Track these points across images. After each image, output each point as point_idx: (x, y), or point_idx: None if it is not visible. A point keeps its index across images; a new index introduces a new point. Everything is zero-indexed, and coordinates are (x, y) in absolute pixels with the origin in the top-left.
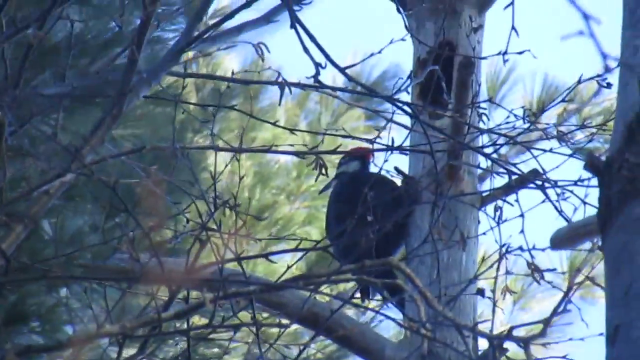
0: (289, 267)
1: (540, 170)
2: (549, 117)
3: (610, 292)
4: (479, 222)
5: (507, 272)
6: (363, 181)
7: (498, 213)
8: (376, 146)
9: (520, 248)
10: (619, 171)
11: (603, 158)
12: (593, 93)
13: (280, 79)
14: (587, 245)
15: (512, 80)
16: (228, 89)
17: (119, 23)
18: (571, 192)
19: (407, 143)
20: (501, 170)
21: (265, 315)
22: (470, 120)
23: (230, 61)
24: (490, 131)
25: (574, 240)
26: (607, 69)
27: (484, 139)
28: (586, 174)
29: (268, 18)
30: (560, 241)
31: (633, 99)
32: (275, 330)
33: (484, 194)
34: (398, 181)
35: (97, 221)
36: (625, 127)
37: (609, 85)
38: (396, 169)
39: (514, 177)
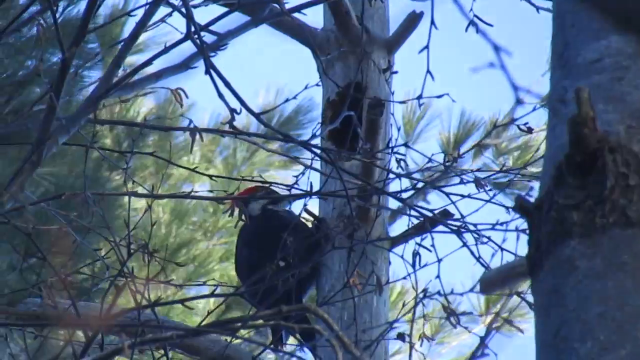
0: (209, 313)
1: (455, 213)
2: (466, 152)
3: (539, 335)
4: (389, 262)
5: (424, 317)
6: (274, 224)
7: (417, 258)
8: (294, 191)
9: (439, 293)
10: (548, 213)
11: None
12: (507, 130)
13: (191, 126)
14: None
15: (429, 117)
16: (141, 133)
17: (37, 71)
18: (489, 237)
19: (318, 186)
20: (413, 213)
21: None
22: (388, 164)
23: (144, 100)
24: (406, 176)
25: (503, 283)
26: (519, 102)
27: (401, 183)
28: (504, 219)
29: (186, 64)
30: (489, 284)
31: (562, 140)
32: None
33: (396, 236)
34: (307, 222)
35: (13, 261)
36: (554, 168)
37: (529, 130)
38: (307, 211)
39: (426, 218)
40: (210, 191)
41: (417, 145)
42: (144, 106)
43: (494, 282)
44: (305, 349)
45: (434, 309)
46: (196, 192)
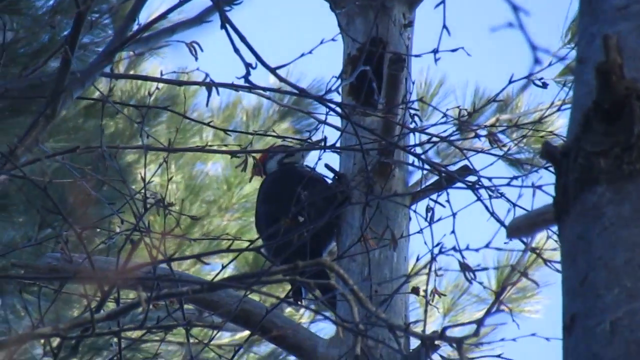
0: (223, 267)
1: (471, 168)
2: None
3: (566, 282)
4: (409, 219)
5: (439, 270)
6: (292, 178)
7: (430, 213)
8: (309, 145)
9: (454, 248)
10: (575, 160)
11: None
12: (522, 93)
13: (207, 80)
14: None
15: (443, 92)
16: (156, 92)
17: (52, 24)
18: (502, 194)
19: (338, 143)
20: (431, 169)
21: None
22: (403, 119)
23: (158, 71)
24: (420, 131)
25: (530, 229)
26: (537, 61)
27: (416, 139)
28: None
29: (201, 18)
30: (517, 229)
31: (589, 87)
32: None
33: (414, 192)
34: (328, 178)
35: (29, 232)
36: (581, 115)
37: (544, 85)
38: (327, 166)
39: (443, 174)
40: (223, 144)
41: (430, 120)
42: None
43: (520, 228)
44: (325, 305)
45: (450, 282)
46: (211, 148)
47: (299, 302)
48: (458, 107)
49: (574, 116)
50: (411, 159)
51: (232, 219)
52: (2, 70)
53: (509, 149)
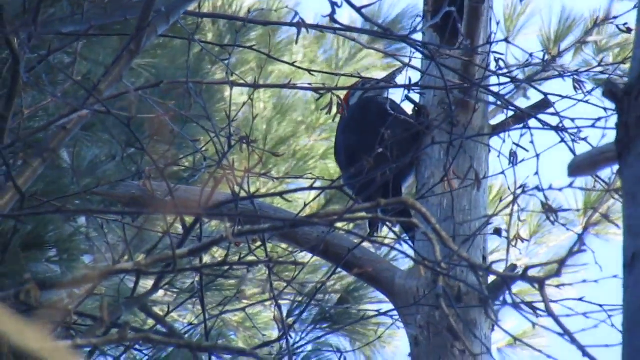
0: (305, 205)
1: (549, 102)
2: (566, 47)
3: (627, 220)
4: (489, 150)
5: (522, 210)
6: (372, 110)
7: (513, 158)
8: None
9: (537, 188)
10: (637, 98)
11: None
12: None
13: (297, 19)
14: (604, 177)
15: (529, 13)
16: (245, 25)
17: None
18: (583, 139)
19: (420, 82)
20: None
21: (282, 247)
22: (486, 59)
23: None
24: (504, 74)
25: (592, 167)
26: None
27: (498, 80)
28: (604, 114)
29: None
30: (578, 168)
31: None
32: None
33: (494, 123)
34: (407, 109)
35: (113, 151)
36: None
37: (628, 30)
38: (408, 98)
39: (521, 110)
40: (310, 84)
41: (517, 41)
42: (242, 5)
43: (581, 166)
44: (404, 242)
45: (532, 210)
46: (295, 84)
47: (376, 235)
48: (543, 51)
49: (637, 54)
50: (492, 99)
51: (318, 139)
52: None
53: (592, 90)
